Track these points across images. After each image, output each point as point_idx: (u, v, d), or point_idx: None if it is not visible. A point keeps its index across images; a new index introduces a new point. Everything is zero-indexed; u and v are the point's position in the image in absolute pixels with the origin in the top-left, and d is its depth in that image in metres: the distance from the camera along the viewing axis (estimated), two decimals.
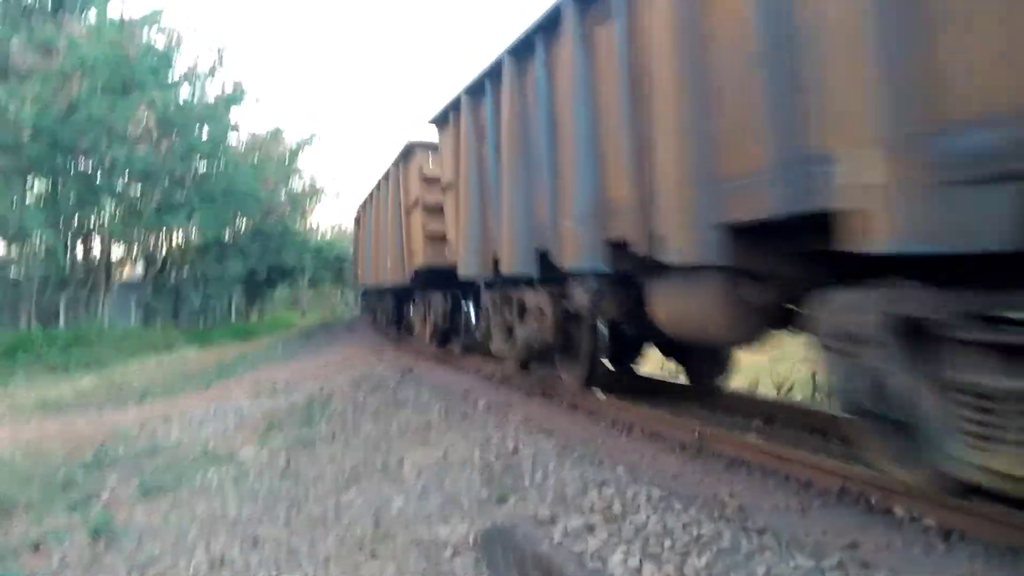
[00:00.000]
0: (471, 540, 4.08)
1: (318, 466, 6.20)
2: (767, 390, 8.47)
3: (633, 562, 3.08)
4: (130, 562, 4.48)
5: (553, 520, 3.77)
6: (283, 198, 34.53)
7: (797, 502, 3.91)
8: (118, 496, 6.10)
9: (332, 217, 54.94)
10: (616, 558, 3.14)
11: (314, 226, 42.79)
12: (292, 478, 6.02)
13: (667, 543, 3.22)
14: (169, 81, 24.63)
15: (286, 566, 4.22)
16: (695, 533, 3.28)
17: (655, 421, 5.81)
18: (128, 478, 6.55)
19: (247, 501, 5.50)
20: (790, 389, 8.54)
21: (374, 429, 6.92)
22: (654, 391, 7.43)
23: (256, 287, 35.66)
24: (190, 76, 26.18)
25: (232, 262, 28.96)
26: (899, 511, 3.57)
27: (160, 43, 24.76)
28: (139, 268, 30.35)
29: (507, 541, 3.70)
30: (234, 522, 5.03)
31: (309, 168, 47.37)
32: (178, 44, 25.35)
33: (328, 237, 42.94)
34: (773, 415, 6.06)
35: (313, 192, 39.00)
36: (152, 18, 24.33)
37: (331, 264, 40.00)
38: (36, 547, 4.95)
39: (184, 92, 25.76)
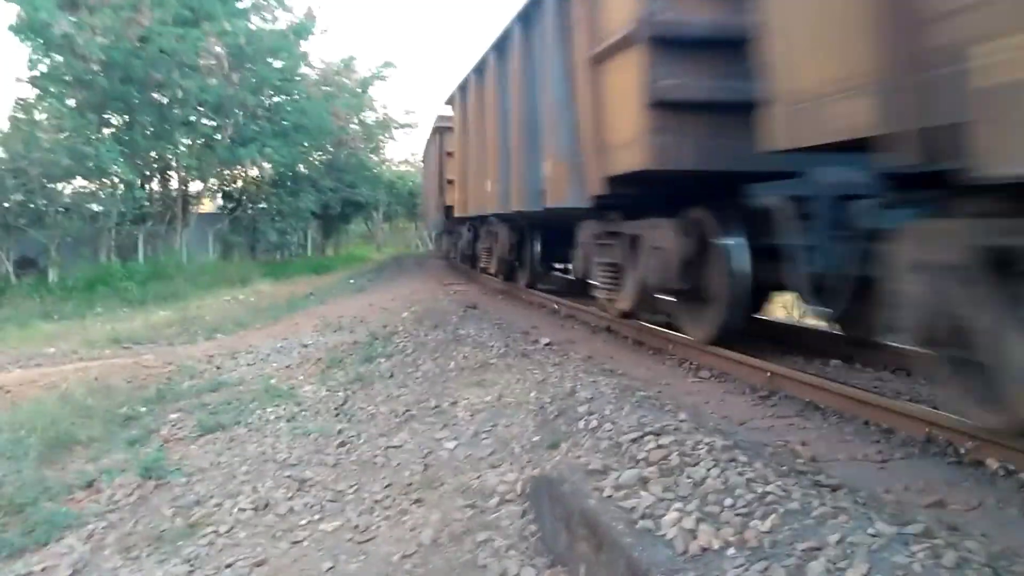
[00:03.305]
0: (519, 489, 3.81)
1: (374, 405, 6.04)
2: None
3: (688, 523, 2.68)
4: (176, 503, 4.41)
5: (605, 471, 3.40)
6: (356, 130, 34.25)
7: (876, 452, 3.58)
8: (176, 433, 6.11)
9: (407, 150, 54.50)
10: (669, 517, 2.76)
11: (388, 159, 42.48)
12: (347, 417, 5.88)
13: (727, 502, 2.80)
14: (238, 9, 24.37)
15: (329, 512, 4.05)
16: (759, 491, 2.84)
17: (724, 361, 5.41)
18: (188, 415, 6.55)
19: (300, 441, 5.38)
20: None
21: (433, 367, 6.70)
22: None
23: (331, 221, 35.78)
24: (259, 5, 25.87)
25: (306, 196, 28.95)
26: (992, 463, 3.21)
27: None
28: (218, 200, 30.73)
29: (555, 492, 3.40)
30: (284, 463, 4.91)
31: (382, 99, 46.52)
32: None
33: (402, 170, 42.53)
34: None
35: (387, 124, 38.45)
36: None
37: (405, 199, 39.78)
38: (90, 484, 4.96)
39: (254, 22, 25.51)
